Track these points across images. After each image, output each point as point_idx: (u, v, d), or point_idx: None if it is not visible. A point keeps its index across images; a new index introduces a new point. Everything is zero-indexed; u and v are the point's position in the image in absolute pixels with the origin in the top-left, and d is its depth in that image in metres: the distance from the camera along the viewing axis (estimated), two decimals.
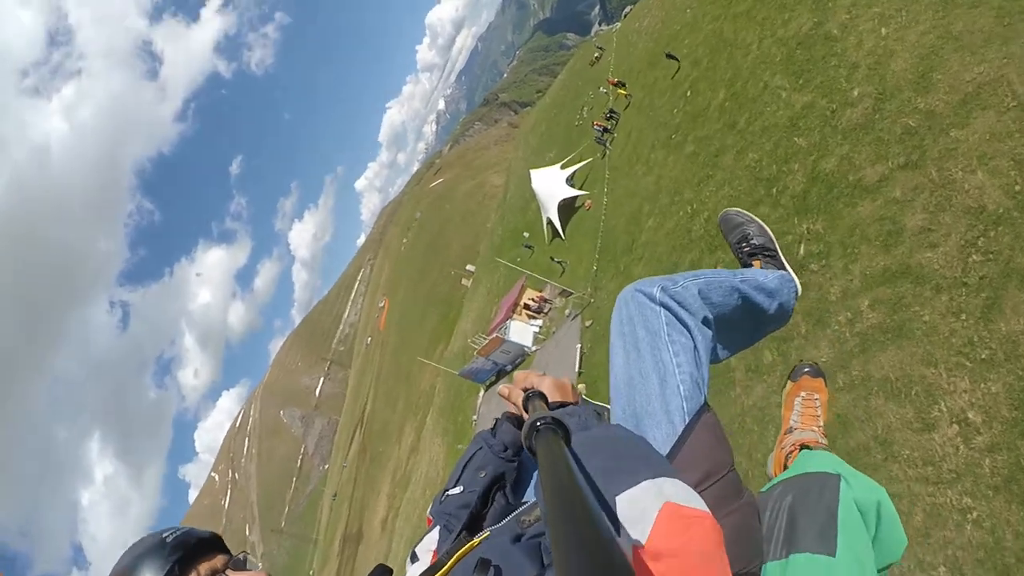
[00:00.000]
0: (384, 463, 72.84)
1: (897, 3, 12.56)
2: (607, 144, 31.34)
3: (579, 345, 23.74)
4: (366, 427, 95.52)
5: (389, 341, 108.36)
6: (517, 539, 1.03)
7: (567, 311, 27.92)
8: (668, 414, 1.34)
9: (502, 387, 1.46)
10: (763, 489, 1.53)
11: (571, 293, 27.47)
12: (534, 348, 30.40)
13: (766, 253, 2.24)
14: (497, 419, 1.58)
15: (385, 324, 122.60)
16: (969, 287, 7.28)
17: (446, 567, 1.05)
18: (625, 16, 45.38)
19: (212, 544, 1.25)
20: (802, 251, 11.49)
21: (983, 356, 6.70)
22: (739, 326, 1.80)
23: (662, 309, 1.48)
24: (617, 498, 0.81)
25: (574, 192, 32.41)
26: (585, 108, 41.39)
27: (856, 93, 12.76)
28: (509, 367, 33.78)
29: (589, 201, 30.87)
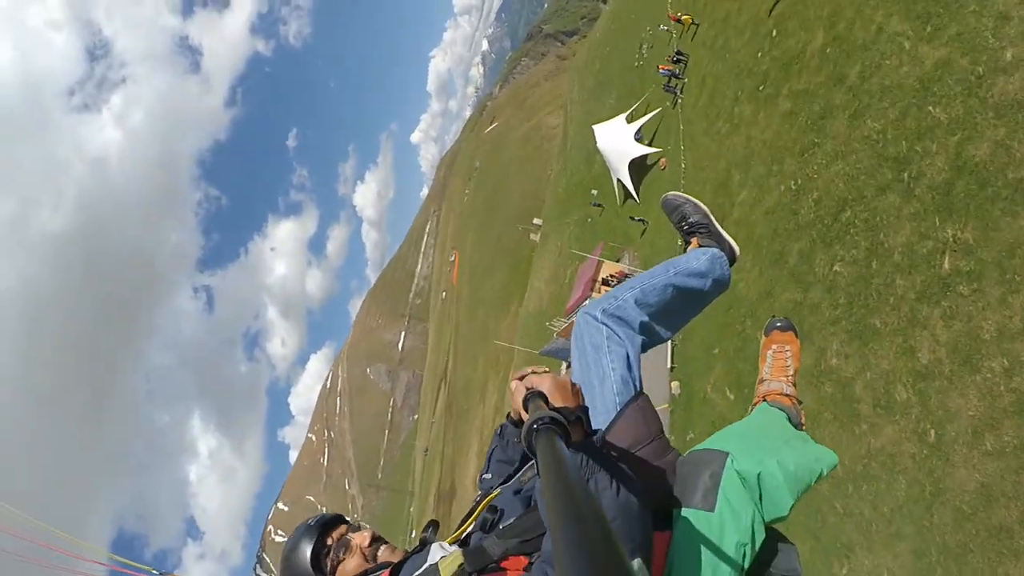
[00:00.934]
0: (471, 420, 74.03)
1: None
2: (678, 91, 28.75)
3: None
4: (450, 384, 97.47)
5: (463, 295, 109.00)
6: (517, 492, 1.67)
7: None
8: (606, 408, 1.75)
9: (512, 381, 1.56)
10: (683, 454, 1.83)
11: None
12: None
13: (702, 229, 2.46)
14: (507, 422, 2.03)
15: (457, 278, 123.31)
16: None
17: (476, 512, 1.71)
18: None
19: (337, 520, 2.03)
20: (947, 265, 9.54)
21: None
22: (679, 310, 2.14)
23: (603, 326, 1.90)
24: None
25: (645, 149, 30.12)
26: (644, 46, 38.11)
27: (1009, 56, 10.36)
28: None
29: (664, 159, 28.69)
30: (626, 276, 29.60)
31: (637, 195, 30.80)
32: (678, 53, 29.48)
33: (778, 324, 2.44)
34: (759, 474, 1.72)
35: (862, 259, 11.75)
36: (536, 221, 62.34)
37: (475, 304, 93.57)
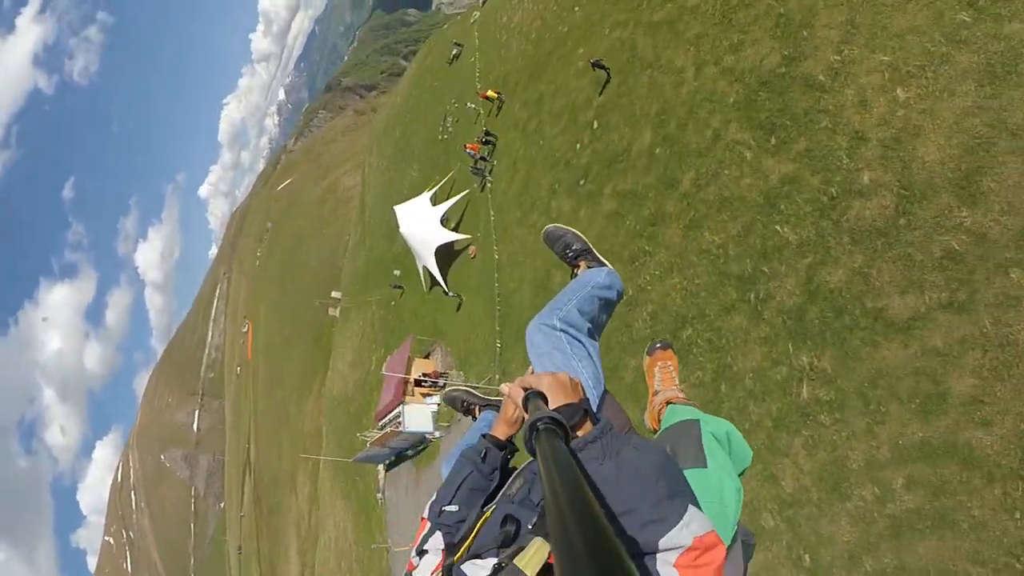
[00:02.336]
0: (284, 514, 65.53)
1: (918, 56, 8.89)
2: (487, 174, 26.51)
3: None
4: (255, 473, 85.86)
5: (260, 372, 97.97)
6: (511, 502, 1.49)
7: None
8: None
9: (503, 385, 1.62)
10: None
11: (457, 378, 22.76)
12: (438, 434, 25.48)
13: (587, 255, 2.75)
14: (483, 439, 1.83)
15: (252, 351, 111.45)
16: None
17: (475, 531, 1.45)
18: (484, 3, 39.22)
19: None
20: (805, 394, 8.85)
21: None
22: (600, 317, 2.39)
23: (562, 333, 2.06)
24: (660, 541, 1.06)
25: (453, 236, 27.32)
26: (450, 119, 35.86)
27: (867, 180, 9.30)
28: (411, 452, 28.57)
29: (474, 247, 26.04)
30: (441, 375, 26.09)
31: (446, 285, 27.62)
32: (487, 134, 27.41)
33: (658, 345, 2.88)
34: (727, 431, 2.06)
35: (709, 382, 10.85)
36: (335, 294, 56.70)
37: (273, 384, 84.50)
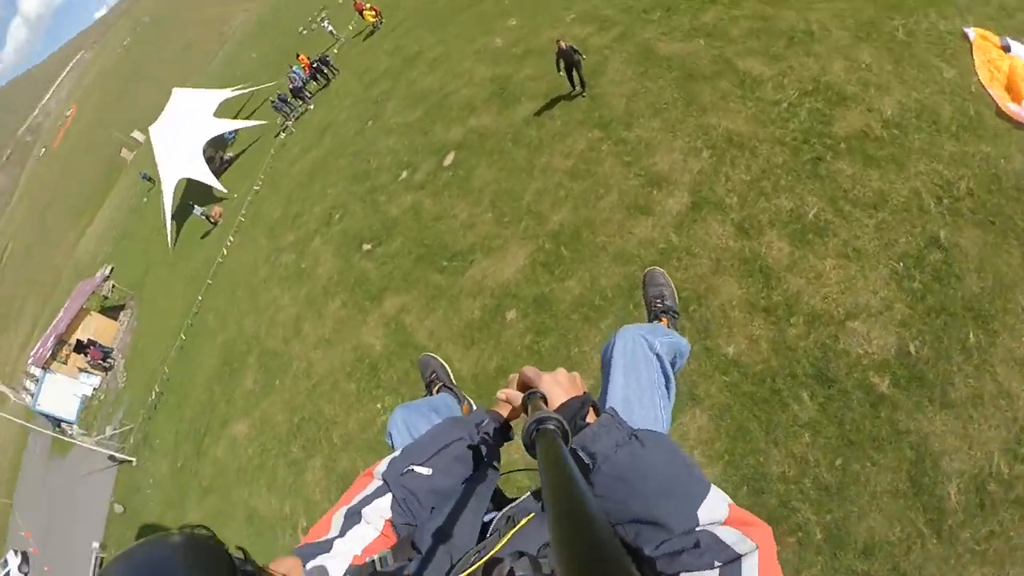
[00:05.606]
0: None
1: None
2: (292, 117, 18.19)
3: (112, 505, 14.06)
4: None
5: (56, 169, 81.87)
6: (510, 518, 1.20)
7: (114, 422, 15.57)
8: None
9: (500, 392, 1.36)
10: None
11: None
12: (77, 431, 17.27)
13: (673, 318, 2.59)
14: (485, 415, 1.43)
15: (61, 141, 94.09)
16: None
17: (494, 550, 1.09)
18: None
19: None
20: None
21: None
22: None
23: (656, 360, 1.74)
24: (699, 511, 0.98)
25: (208, 177, 18.66)
26: (325, 17, 26.11)
27: None
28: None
29: (219, 209, 17.84)
30: (106, 357, 17.87)
31: (171, 240, 19.07)
32: (325, 62, 18.94)
33: None
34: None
35: None
36: (136, 135, 44.64)
37: (56, 194, 70.35)
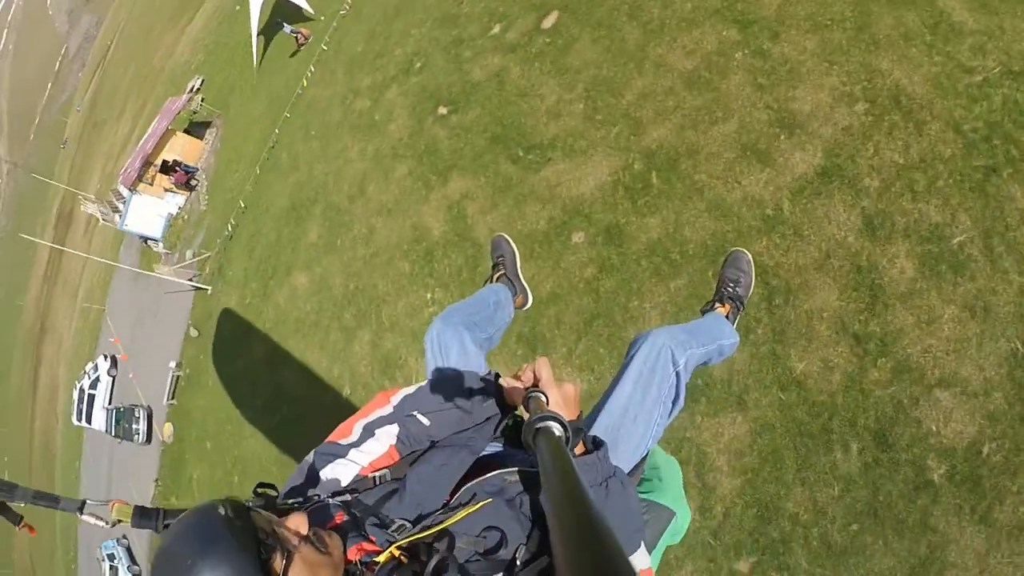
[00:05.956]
0: (103, 138, 56.90)
1: None
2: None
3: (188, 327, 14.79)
4: (103, 74, 74.01)
5: None
6: (509, 502, 1.23)
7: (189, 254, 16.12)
8: (635, 452, 1.66)
9: (503, 379, 1.47)
10: None
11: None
12: (162, 248, 18.27)
13: (740, 307, 2.58)
14: (496, 410, 1.48)
15: None
16: None
17: (457, 517, 1.17)
18: None
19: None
20: None
21: None
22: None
23: (674, 375, 1.76)
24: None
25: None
26: None
27: None
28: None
29: (307, 30, 16.91)
30: (192, 176, 18.32)
31: (256, 59, 18.35)
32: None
33: None
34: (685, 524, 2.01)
35: None
36: None
37: None
